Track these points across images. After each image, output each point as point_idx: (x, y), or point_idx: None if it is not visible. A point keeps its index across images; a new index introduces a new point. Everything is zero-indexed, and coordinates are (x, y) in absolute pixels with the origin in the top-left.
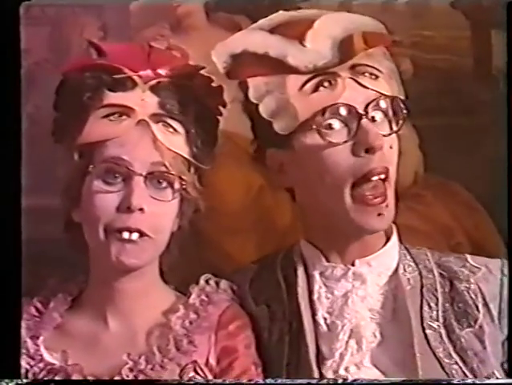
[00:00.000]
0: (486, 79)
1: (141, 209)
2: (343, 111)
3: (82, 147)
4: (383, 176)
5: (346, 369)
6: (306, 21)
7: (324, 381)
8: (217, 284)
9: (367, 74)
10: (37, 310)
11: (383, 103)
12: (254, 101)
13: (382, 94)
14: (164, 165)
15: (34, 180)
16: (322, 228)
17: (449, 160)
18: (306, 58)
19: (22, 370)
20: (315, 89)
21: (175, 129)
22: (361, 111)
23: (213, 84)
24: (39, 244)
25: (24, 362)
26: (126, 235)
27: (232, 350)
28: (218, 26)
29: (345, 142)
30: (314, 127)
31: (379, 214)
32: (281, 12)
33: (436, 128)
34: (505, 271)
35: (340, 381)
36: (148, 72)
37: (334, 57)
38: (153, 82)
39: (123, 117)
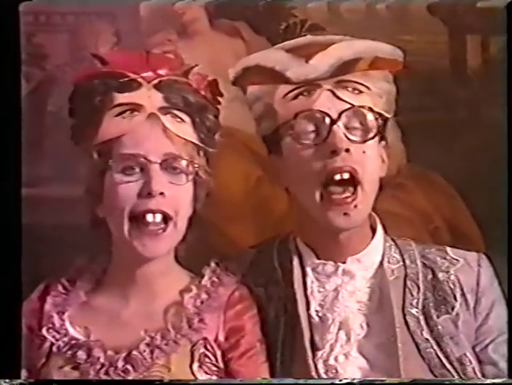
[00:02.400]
0: (462, 79)
1: (162, 193)
2: (315, 117)
3: (100, 146)
4: (346, 176)
5: (335, 358)
6: (324, 45)
7: (326, 381)
8: (227, 267)
9: (349, 88)
10: (64, 287)
11: (359, 114)
12: (248, 105)
13: (353, 105)
14: (177, 152)
15: (57, 171)
16: (311, 228)
17: (428, 152)
18: (302, 72)
19: (46, 345)
20: (295, 97)
21: (182, 119)
22: (334, 117)
23: (209, 78)
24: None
25: (50, 336)
26: (150, 217)
27: (239, 329)
28: (220, 31)
29: (316, 144)
30: (289, 130)
31: (345, 214)
32: (308, 36)
33: (417, 123)
34: (482, 264)
35: (342, 381)
36: (149, 73)
37: (326, 72)
38: (155, 81)
39: (135, 113)
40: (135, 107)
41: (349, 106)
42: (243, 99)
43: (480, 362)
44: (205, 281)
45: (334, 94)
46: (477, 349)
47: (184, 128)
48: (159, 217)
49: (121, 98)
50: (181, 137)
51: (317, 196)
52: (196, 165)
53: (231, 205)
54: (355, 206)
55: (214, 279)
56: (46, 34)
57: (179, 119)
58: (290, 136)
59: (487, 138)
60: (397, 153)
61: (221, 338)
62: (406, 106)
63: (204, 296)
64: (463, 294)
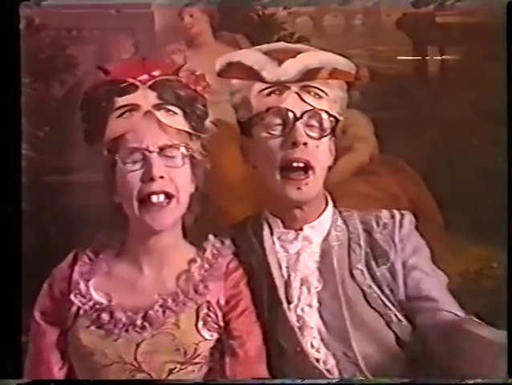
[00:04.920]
0: (424, 82)
1: (162, 177)
2: (283, 113)
3: (108, 144)
4: (302, 165)
5: (302, 309)
6: (295, 52)
7: (327, 381)
8: (222, 241)
9: (312, 93)
10: (89, 258)
11: (318, 115)
12: (228, 95)
13: (314, 107)
14: (170, 141)
15: (87, 161)
16: (274, 201)
17: (397, 143)
18: (276, 73)
19: (74, 308)
20: (269, 94)
21: (174, 112)
22: (298, 115)
23: (197, 73)
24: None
25: (77, 301)
26: (155, 198)
27: (237, 294)
28: (222, 42)
29: (281, 136)
30: (260, 121)
31: (298, 188)
32: (282, 42)
33: (387, 120)
34: (405, 218)
35: (343, 381)
36: (145, 76)
37: (295, 76)
38: (150, 82)
39: (133, 112)
40: (133, 107)
41: (311, 108)
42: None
43: (409, 300)
44: (208, 253)
45: (299, 96)
46: (406, 274)
47: (176, 120)
48: (162, 197)
49: (121, 101)
50: (174, 127)
51: (277, 175)
52: (190, 149)
53: (231, 188)
54: (306, 184)
55: (214, 251)
56: (77, 46)
57: (171, 112)
58: (261, 126)
59: (445, 131)
60: (371, 145)
61: (222, 301)
62: (377, 105)
63: (207, 266)
64: (394, 244)
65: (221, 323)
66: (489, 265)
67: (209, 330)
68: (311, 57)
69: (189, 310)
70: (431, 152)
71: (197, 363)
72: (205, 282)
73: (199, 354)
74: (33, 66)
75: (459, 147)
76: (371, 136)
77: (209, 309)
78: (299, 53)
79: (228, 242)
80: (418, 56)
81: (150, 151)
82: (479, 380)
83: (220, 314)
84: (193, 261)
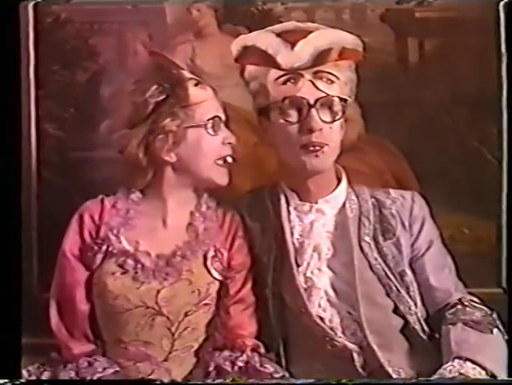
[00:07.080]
0: (405, 70)
1: (229, 142)
2: (298, 101)
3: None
4: (318, 148)
5: (311, 272)
6: (305, 32)
7: (321, 381)
8: (218, 202)
9: (324, 79)
10: (117, 209)
11: (330, 101)
12: (246, 80)
13: (328, 94)
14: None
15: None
16: (291, 175)
17: (381, 124)
18: (289, 59)
19: (102, 251)
20: (284, 82)
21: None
22: (312, 103)
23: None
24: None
25: (112, 236)
26: (230, 159)
27: (232, 234)
28: (226, 33)
29: (297, 122)
30: (277, 109)
31: (316, 156)
32: (292, 22)
33: (372, 103)
34: (415, 198)
35: (345, 381)
36: None
37: (308, 62)
38: None
39: None
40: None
41: (324, 95)
42: (243, 84)
43: (415, 273)
44: (203, 208)
45: (313, 84)
46: (414, 259)
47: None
48: (230, 159)
49: None
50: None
51: (296, 150)
52: None
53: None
54: (323, 152)
55: (207, 206)
56: (99, 38)
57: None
58: (278, 113)
59: (424, 113)
60: (358, 125)
61: (226, 244)
62: (364, 90)
63: (202, 218)
64: (402, 222)
65: (225, 264)
66: (460, 231)
67: (216, 269)
68: (321, 37)
69: (200, 256)
70: (411, 132)
71: (206, 304)
72: (208, 231)
73: (209, 295)
74: (60, 55)
75: (436, 127)
76: (358, 118)
77: (215, 252)
78: (310, 32)
79: (227, 206)
80: (400, 46)
81: (221, 119)
82: (481, 380)
83: (225, 255)
84: (192, 214)
